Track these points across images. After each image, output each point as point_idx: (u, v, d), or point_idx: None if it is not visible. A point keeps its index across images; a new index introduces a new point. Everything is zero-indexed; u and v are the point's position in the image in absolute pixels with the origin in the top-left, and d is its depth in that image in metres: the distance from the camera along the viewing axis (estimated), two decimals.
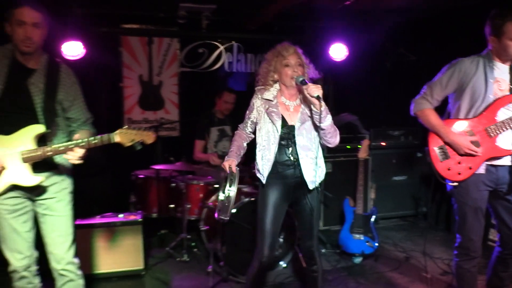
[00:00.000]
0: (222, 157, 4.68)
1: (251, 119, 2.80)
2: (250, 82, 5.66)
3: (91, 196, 4.23)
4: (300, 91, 2.73)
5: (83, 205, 3.02)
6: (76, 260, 2.62)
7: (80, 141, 2.29)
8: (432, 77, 2.87)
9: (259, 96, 2.75)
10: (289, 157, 2.69)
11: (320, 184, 2.76)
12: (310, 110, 2.69)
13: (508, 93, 2.65)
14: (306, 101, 2.70)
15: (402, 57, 5.51)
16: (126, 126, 2.33)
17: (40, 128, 2.36)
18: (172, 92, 5.36)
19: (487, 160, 2.68)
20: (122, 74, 5.14)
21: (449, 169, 2.73)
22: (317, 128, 2.69)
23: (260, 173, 2.72)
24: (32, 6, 2.32)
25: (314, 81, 2.66)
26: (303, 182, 2.68)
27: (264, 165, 2.69)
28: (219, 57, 5.52)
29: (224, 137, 4.71)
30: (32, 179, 2.34)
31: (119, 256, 3.66)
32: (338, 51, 5.22)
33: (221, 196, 2.81)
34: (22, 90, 2.36)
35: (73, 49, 4.32)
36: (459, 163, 2.71)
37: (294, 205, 2.84)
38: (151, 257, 4.04)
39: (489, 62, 2.67)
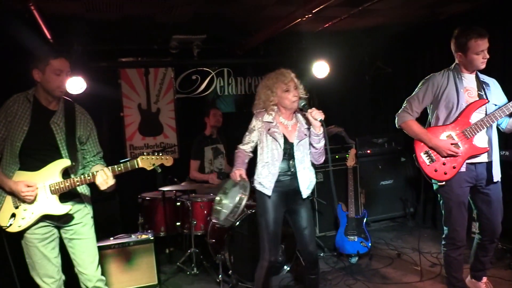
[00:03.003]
0: (219, 174, 5.03)
1: (252, 140, 3.09)
2: (239, 103, 6.02)
3: (102, 220, 4.46)
4: (295, 112, 3.08)
5: (95, 229, 3.19)
6: (103, 278, 2.86)
7: (108, 168, 2.58)
8: (407, 86, 3.24)
9: (260, 118, 3.05)
10: (290, 169, 3.02)
11: (311, 193, 3.10)
12: (307, 129, 3.05)
13: (477, 98, 3.02)
14: (306, 123, 3.05)
15: (380, 70, 5.92)
16: (146, 153, 2.63)
17: (66, 162, 2.63)
18: (169, 117, 5.67)
19: (467, 159, 3.01)
20: (122, 104, 5.44)
21: (436, 171, 3.05)
22: (309, 145, 3.06)
23: (263, 186, 3.00)
24: (66, 57, 2.65)
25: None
26: (298, 192, 3.02)
27: (269, 180, 2.98)
28: (211, 82, 5.86)
29: (219, 154, 5.05)
30: (62, 208, 2.61)
31: (134, 273, 3.88)
32: (320, 69, 5.55)
33: (225, 201, 3.07)
34: (45, 130, 2.62)
35: (75, 85, 4.57)
36: (444, 164, 3.03)
37: (290, 214, 3.12)
38: (162, 273, 4.25)
39: (457, 74, 3.05)
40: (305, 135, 3.06)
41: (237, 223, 3.83)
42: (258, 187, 3.04)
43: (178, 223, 4.55)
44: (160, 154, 2.65)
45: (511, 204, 3.99)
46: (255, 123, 3.07)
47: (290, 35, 5.02)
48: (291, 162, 3.02)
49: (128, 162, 2.60)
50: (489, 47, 2.97)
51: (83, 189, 2.78)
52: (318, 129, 2.93)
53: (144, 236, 3.98)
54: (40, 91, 2.64)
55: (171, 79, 5.63)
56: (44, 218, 2.61)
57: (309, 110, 2.92)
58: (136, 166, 2.59)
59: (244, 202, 2.87)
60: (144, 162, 2.60)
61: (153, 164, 2.62)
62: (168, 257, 4.70)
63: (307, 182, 3.04)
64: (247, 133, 3.12)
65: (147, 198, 4.67)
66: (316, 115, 2.88)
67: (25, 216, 2.57)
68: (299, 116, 3.13)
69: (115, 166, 2.60)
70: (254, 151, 3.13)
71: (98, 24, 4.20)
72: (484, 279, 3.32)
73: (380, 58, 5.93)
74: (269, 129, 3.01)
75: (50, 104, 2.67)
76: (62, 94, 2.66)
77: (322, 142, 3.00)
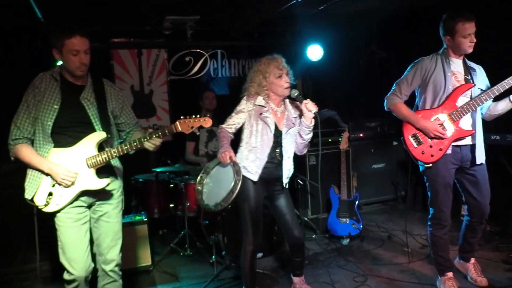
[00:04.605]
0: (213, 156, 5.03)
1: (238, 122, 3.02)
2: (233, 86, 5.99)
3: None
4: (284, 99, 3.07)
5: None
6: (120, 262, 2.81)
7: (142, 136, 2.51)
8: (401, 71, 3.27)
9: (252, 101, 2.99)
10: (276, 156, 3.01)
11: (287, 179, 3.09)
12: (295, 118, 3.05)
13: (464, 83, 3.07)
14: (295, 112, 3.05)
15: (374, 54, 5.89)
16: (182, 116, 2.54)
17: (101, 135, 2.57)
18: (162, 99, 5.64)
19: (453, 141, 3.07)
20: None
21: (423, 153, 3.11)
22: (296, 135, 3.06)
23: (248, 171, 2.95)
24: (82, 33, 2.47)
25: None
26: (280, 180, 3.04)
27: (257, 165, 2.95)
28: (204, 64, 5.82)
29: (214, 137, 5.05)
30: (99, 182, 2.55)
31: (128, 254, 3.88)
32: (314, 52, 5.59)
33: (207, 181, 3.00)
34: (77, 106, 2.56)
35: None
36: (430, 146, 3.09)
37: (270, 201, 3.13)
38: (156, 255, 4.28)
39: (445, 58, 3.10)
40: (293, 123, 3.05)
41: (229, 206, 3.86)
42: (242, 171, 2.96)
43: (171, 205, 4.57)
44: (198, 116, 2.56)
45: (500, 187, 4.07)
46: (246, 105, 3.00)
47: (285, 17, 4.99)
48: (277, 150, 3.01)
49: (166, 127, 2.53)
50: (483, 32, 2.99)
51: (116, 163, 2.71)
52: (310, 121, 2.93)
53: (137, 218, 4.01)
54: (64, 69, 2.57)
55: (164, 60, 5.58)
56: (81, 195, 2.56)
57: (304, 101, 2.91)
58: (175, 131, 2.52)
59: (238, 187, 2.80)
60: (183, 125, 2.52)
61: (192, 127, 2.54)
62: (162, 239, 4.73)
63: (288, 171, 3.06)
64: (233, 114, 3.04)
65: (140, 180, 4.67)
66: (311, 107, 2.88)
67: (62, 194, 2.51)
68: (288, 103, 3.11)
69: (154, 133, 2.53)
70: (236, 133, 3.07)
71: (90, 4, 4.13)
72: (472, 260, 3.39)
73: (375, 42, 5.91)
74: (261, 114, 2.96)
75: (77, 80, 2.59)
76: (84, 73, 2.55)
77: (311, 134, 3.01)
